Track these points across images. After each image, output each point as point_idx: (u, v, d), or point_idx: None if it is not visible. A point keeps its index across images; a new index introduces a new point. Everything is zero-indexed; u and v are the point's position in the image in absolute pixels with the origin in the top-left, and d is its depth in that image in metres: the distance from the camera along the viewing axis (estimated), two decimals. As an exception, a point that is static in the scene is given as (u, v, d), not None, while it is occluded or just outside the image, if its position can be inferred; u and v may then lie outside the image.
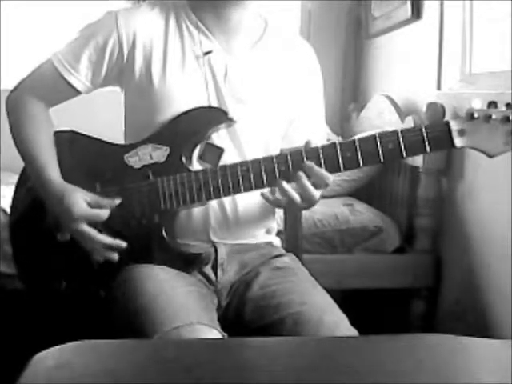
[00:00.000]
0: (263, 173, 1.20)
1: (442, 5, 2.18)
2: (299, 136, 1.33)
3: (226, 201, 1.31)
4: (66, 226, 1.27)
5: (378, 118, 2.51)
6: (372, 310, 2.38)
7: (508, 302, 1.71)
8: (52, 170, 1.29)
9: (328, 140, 1.30)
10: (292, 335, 1.16)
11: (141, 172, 1.28)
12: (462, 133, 1.15)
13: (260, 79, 1.33)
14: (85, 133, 1.36)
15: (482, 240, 1.90)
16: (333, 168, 1.18)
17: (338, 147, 1.18)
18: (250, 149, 1.32)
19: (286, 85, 1.36)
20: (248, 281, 1.32)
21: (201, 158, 1.30)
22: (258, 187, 1.21)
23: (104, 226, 1.27)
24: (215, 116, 1.29)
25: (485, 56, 2.11)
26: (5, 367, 1.16)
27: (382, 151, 1.16)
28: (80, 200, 1.25)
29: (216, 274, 1.33)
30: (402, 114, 2.32)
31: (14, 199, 1.43)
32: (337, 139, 1.21)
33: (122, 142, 1.37)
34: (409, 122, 2.14)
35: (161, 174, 1.26)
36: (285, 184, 1.18)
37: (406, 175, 2.22)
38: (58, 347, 0.83)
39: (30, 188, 1.37)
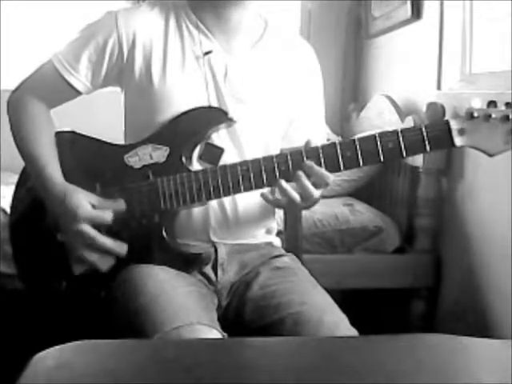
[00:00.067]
0: (263, 172, 1.20)
1: (441, 5, 2.18)
2: (299, 136, 1.33)
3: (226, 201, 1.31)
4: (67, 227, 1.27)
5: (378, 118, 2.51)
6: (372, 310, 2.38)
7: (508, 302, 1.71)
8: (53, 170, 1.29)
9: (328, 140, 1.30)
10: (292, 335, 1.16)
11: (141, 172, 1.28)
12: (461, 132, 1.15)
13: (260, 79, 1.34)
14: (85, 133, 1.36)
15: (482, 240, 1.90)
16: (333, 167, 1.18)
17: (338, 147, 1.18)
18: (250, 149, 1.32)
19: (286, 85, 1.36)
20: (248, 281, 1.32)
21: (201, 158, 1.30)
22: (258, 187, 1.21)
23: (104, 226, 1.27)
24: (215, 116, 1.29)
25: (485, 56, 2.11)
26: (5, 367, 1.16)
27: (382, 151, 1.16)
28: (84, 201, 1.25)
29: (216, 274, 1.33)
30: (402, 113, 2.32)
31: (14, 199, 1.42)
32: (337, 139, 1.20)
33: (122, 142, 1.37)
34: (409, 122, 2.14)
35: (161, 174, 1.26)
36: (285, 184, 1.18)
37: (405, 175, 2.22)
38: (57, 347, 0.83)
39: (30, 188, 1.37)
